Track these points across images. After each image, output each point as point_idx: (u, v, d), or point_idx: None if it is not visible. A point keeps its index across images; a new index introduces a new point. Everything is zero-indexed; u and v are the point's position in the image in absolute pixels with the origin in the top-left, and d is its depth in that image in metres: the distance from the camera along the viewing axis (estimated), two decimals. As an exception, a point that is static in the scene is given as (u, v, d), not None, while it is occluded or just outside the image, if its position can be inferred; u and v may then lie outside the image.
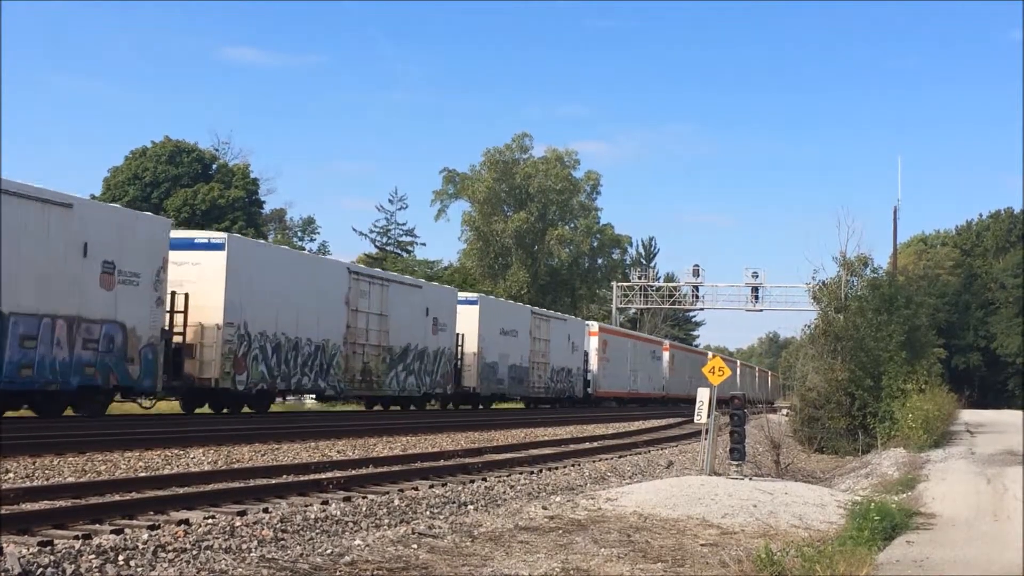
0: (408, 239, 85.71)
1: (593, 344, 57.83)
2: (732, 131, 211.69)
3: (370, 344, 33.27)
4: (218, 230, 35.29)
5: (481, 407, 42.92)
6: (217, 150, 71.66)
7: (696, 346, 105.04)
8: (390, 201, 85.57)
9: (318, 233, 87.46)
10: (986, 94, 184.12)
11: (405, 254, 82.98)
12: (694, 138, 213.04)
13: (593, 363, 55.18)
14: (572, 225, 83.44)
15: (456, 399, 41.72)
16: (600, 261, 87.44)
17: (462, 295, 42.03)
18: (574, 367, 52.68)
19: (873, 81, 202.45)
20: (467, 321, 40.61)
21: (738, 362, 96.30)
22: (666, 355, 71.65)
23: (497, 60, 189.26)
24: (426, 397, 38.27)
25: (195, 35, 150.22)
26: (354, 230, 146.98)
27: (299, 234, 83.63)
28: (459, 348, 40.14)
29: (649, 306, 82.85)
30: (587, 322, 61.54)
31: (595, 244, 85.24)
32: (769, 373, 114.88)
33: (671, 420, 39.81)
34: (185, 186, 62.30)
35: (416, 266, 72.94)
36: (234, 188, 63.83)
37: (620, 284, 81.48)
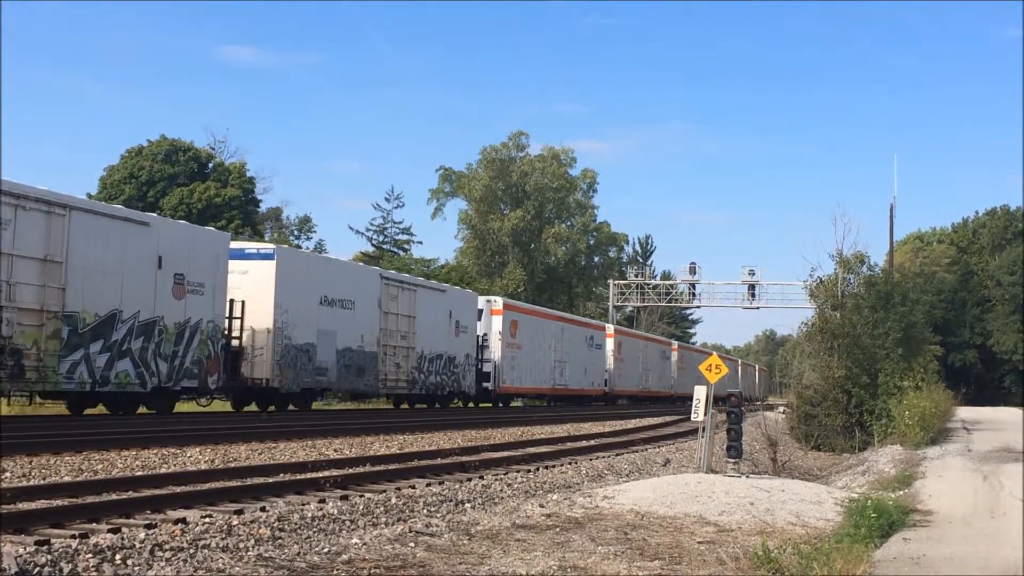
0: (405, 237, 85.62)
1: (609, 345, 57.70)
2: (728, 129, 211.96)
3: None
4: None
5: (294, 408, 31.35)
6: (213, 149, 71.59)
7: (693, 344, 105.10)
8: (386, 199, 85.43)
9: (314, 232, 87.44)
10: (982, 92, 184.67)
11: (402, 252, 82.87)
12: (690, 136, 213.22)
13: (496, 350, 43.00)
14: (569, 223, 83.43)
15: (234, 395, 30.39)
16: (597, 259, 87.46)
17: (247, 246, 30.77)
18: (460, 354, 39.96)
19: (869, 79, 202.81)
20: (255, 284, 28.62)
21: (739, 361, 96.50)
22: (675, 355, 73.99)
23: (494, 59, 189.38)
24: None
25: (191, 34, 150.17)
26: (351, 228, 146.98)
27: (295, 233, 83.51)
28: (234, 322, 28.09)
29: (646, 304, 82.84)
30: (606, 324, 60.70)
31: (591, 242, 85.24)
32: (756, 368, 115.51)
33: (667, 418, 39.84)
34: (181, 185, 62.21)
35: (413, 264, 72.79)
36: (230, 187, 63.73)
37: (617, 282, 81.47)
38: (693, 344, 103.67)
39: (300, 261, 31.42)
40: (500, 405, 45.10)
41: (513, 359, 44.78)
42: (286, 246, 38.08)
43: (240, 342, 28.13)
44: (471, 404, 43.58)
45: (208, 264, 26.14)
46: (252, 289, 28.40)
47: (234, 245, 28.76)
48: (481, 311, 42.49)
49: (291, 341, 29.47)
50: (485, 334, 42.92)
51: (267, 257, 29.31)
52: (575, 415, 38.92)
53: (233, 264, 27.69)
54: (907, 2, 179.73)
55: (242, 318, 28.11)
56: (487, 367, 42.65)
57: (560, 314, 56.20)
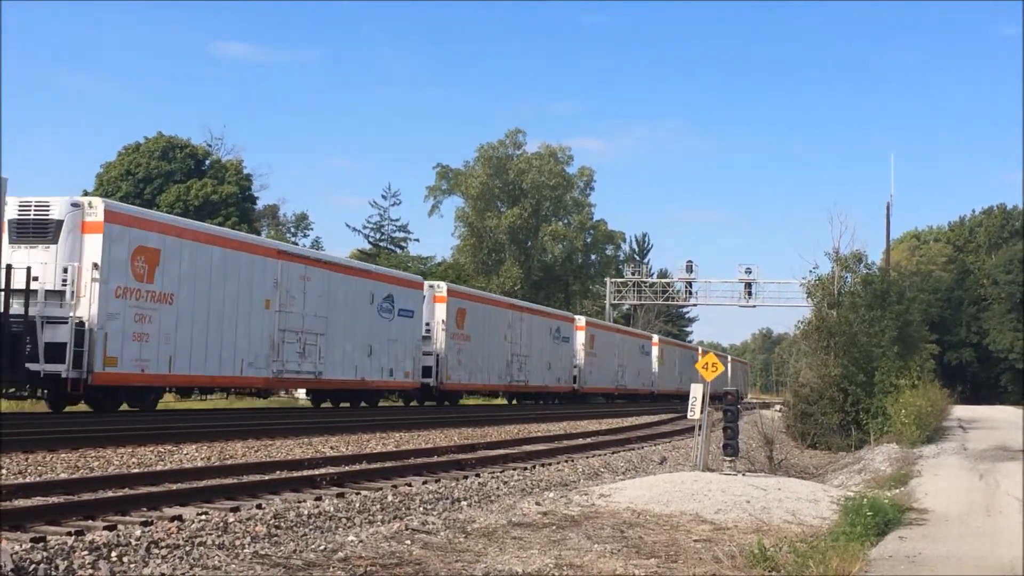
0: (402, 235, 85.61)
1: (580, 338, 51.86)
2: (725, 128, 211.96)
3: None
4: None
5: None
6: (210, 146, 71.49)
7: (689, 342, 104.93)
8: (383, 197, 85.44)
9: (311, 229, 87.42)
10: (980, 90, 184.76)
11: (399, 250, 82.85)
12: (688, 135, 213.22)
13: (439, 341, 38.51)
14: (565, 221, 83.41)
15: None
16: (593, 257, 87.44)
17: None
18: (393, 343, 35.30)
19: (867, 78, 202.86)
20: None
21: (729, 358, 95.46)
22: (655, 349, 67.95)
23: (492, 56, 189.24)
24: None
25: (188, 31, 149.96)
26: (348, 226, 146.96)
27: (292, 230, 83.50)
28: None
29: (642, 302, 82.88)
30: (576, 316, 55.15)
31: (588, 240, 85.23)
32: (728, 359, 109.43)
33: (664, 416, 39.86)
34: (178, 182, 62.13)
35: (410, 262, 72.78)
36: (227, 184, 63.66)
37: (613, 280, 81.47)
38: (689, 342, 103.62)
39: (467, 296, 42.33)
40: (447, 404, 39.83)
41: (460, 351, 39.81)
42: (452, 284, 44.85)
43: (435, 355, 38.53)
44: (413, 403, 39.34)
45: (413, 296, 37.39)
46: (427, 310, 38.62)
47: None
48: (424, 298, 37.68)
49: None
50: (428, 323, 38.23)
51: (438, 292, 39.62)
52: (527, 415, 35.34)
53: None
54: (905, 1, 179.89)
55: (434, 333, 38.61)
56: (428, 360, 37.28)
57: (516, 302, 50.24)
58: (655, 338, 69.28)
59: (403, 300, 35.99)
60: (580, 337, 52.86)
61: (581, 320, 53.68)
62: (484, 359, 41.96)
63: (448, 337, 38.81)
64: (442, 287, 39.86)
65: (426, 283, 38.79)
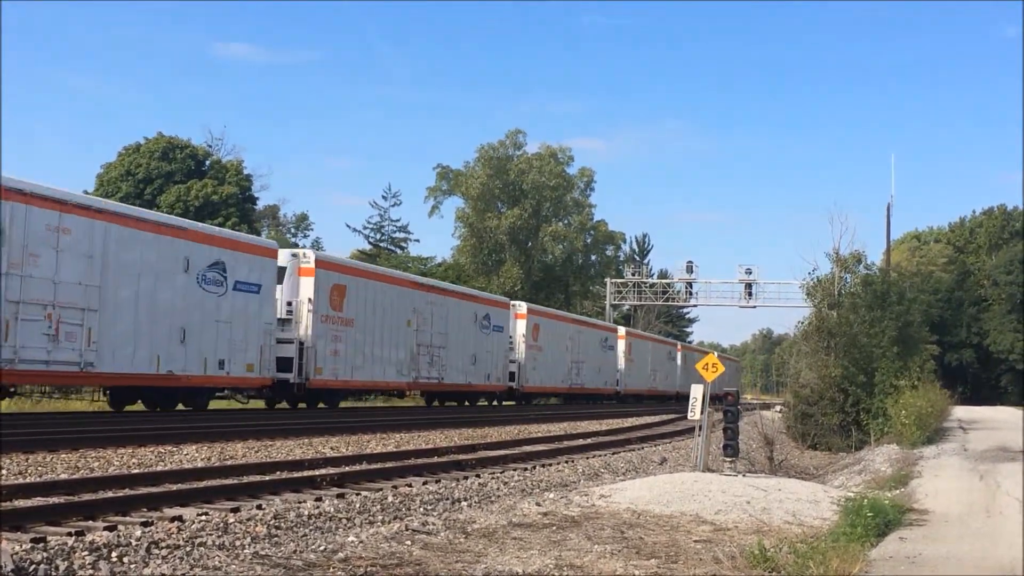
0: (402, 235, 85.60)
1: (520, 328, 45.42)
2: (726, 128, 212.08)
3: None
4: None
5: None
6: (210, 146, 71.47)
7: (690, 343, 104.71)
8: (384, 197, 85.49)
9: (311, 230, 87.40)
10: (980, 91, 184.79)
11: (399, 251, 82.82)
12: (688, 135, 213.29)
13: (307, 325, 30.34)
14: (566, 222, 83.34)
15: None
16: (594, 258, 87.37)
17: None
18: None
19: (867, 79, 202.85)
20: None
21: (715, 355, 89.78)
22: (621, 344, 59.97)
23: (492, 57, 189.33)
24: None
25: (188, 31, 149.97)
26: (348, 226, 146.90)
27: (292, 231, 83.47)
28: None
29: (643, 303, 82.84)
30: (514, 302, 47.72)
31: (589, 241, 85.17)
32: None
33: (665, 416, 39.86)
34: (178, 182, 62.11)
35: (410, 262, 72.75)
36: (227, 184, 63.64)
37: (614, 280, 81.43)
38: (689, 343, 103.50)
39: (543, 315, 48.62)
40: (321, 406, 33.15)
41: (536, 359, 46.04)
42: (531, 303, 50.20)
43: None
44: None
45: (504, 316, 44.78)
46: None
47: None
48: (284, 269, 30.43)
49: None
50: (511, 336, 44.64)
51: (519, 310, 46.93)
52: (527, 416, 33.85)
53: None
54: (905, 2, 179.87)
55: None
56: (287, 351, 30.07)
57: (579, 317, 57.57)
58: (621, 330, 62.24)
59: (497, 318, 43.57)
60: (521, 327, 46.03)
61: (521, 307, 46.57)
62: (553, 365, 48.91)
63: (527, 348, 45.71)
64: (523, 306, 47.06)
65: (283, 252, 33.12)
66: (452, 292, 41.69)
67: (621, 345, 60.24)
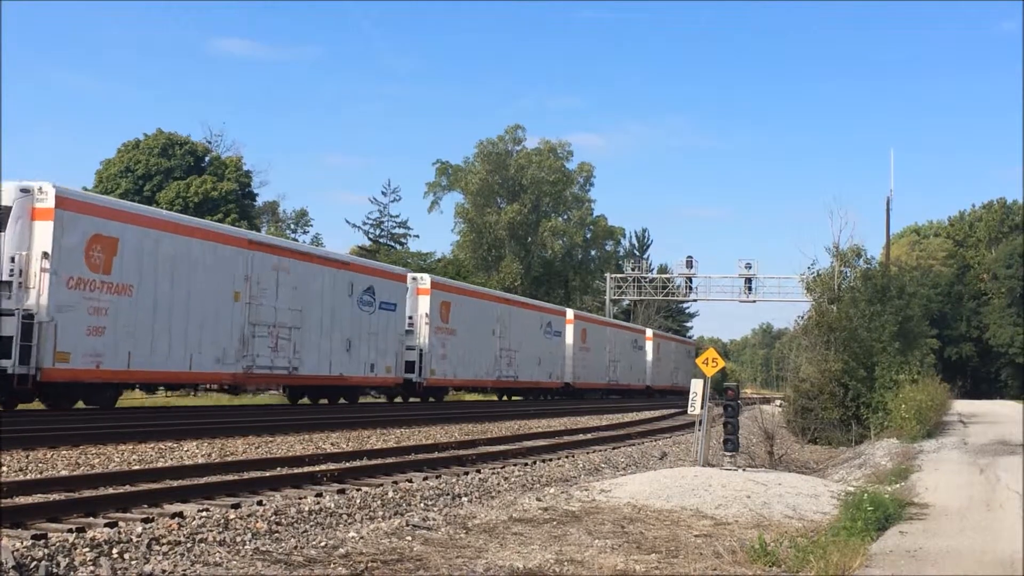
0: (401, 231, 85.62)
1: (423, 307, 37.38)
2: (725, 123, 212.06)
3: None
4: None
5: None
6: (210, 143, 71.47)
7: (689, 337, 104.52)
8: (383, 193, 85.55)
9: (311, 226, 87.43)
10: (980, 85, 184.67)
11: (399, 246, 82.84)
12: (687, 130, 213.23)
13: None
14: (565, 217, 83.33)
15: None
16: (593, 253, 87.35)
17: None
18: None
19: (866, 73, 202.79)
20: None
21: (649, 333, 70.08)
22: (570, 329, 53.80)
23: (491, 52, 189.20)
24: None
25: (187, 28, 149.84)
26: (347, 222, 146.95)
27: (292, 227, 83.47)
28: None
29: (643, 297, 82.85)
30: (412, 274, 38.55)
31: (588, 236, 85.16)
32: (668, 341, 79.04)
33: (664, 412, 39.86)
34: (178, 179, 62.10)
35: (409, 258, 72.76)
36: (227, 181, 63.64)
37: (614, 276, 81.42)
38: (689, 338, 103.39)
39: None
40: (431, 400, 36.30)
41: (584, 360, 56.51)
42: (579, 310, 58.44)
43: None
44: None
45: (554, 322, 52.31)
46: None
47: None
48: (564, 323, 52.82)
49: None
50: (411, 316, 36.61)
51: (567, 319, 54.03)
52: (527, 411, 33.63)
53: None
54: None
55: None
56: (411, 355, 36.06)
57: (619, 323, 64.54)
58: (570, 313, 55.51)
59: (556, 325, 51.38)
60: (423, 304, 38.21)
61: (425, 280, 39.00)
62: (596, 366, 56.36)
63: (577, 350, 53.06)
64: (571, 313, 54.11)
65: (568, 311, 53.10)
66: (618, 326, 58.35)
67: (570, 331, 53.53)
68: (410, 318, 37.40)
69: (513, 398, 48.86)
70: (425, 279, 38.98)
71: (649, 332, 69.06)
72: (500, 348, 44.44)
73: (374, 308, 34.21)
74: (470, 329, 41.08)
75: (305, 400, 33.26)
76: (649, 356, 68.07)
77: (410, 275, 38.10)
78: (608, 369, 59.08)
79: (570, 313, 54.70)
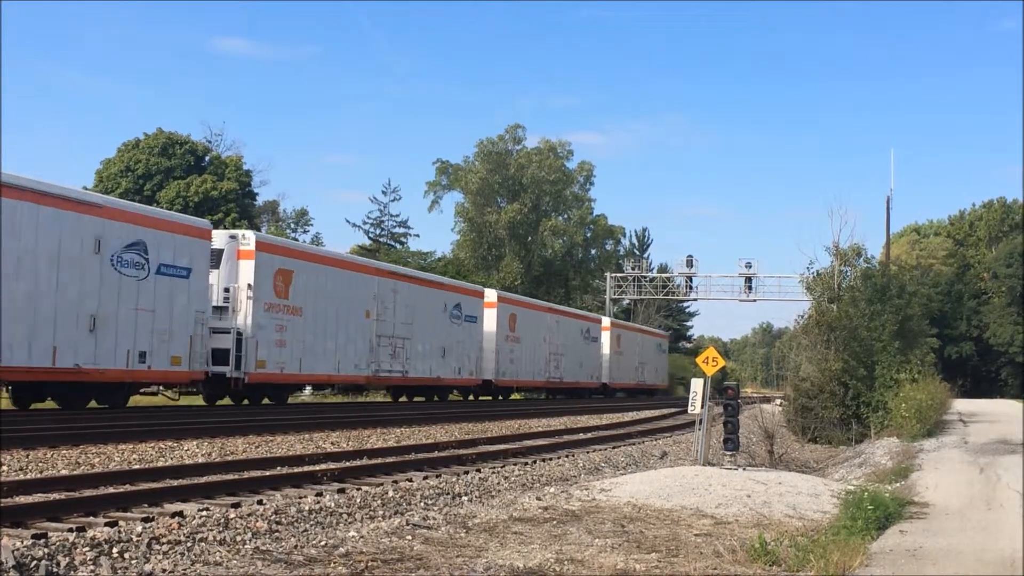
0: (401, 231, 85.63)
1: (376, 291, 33.79)
2: (725, 122, 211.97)
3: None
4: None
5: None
6: (210, 142, 71.46)
7: (690, 337, 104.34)
8: (383, 192, 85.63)
9: (311, 225, 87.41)
10: (979, 84, 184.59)
11: (399, 246, 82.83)
12: (688, 129, 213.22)
13: (246, 314, 27.85)
14: (565, 216, 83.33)
15: None
16: (593, 252, 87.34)
17: None
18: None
19: (866, 72, 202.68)
20: None
21: (605, 321, 63.16)
22: (490, 314, 45.28)
23: (491, 51, 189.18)
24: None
25: (186, 27, 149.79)
26: (347, 222, 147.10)
27: (292, 226, 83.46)
28: None
29: (643, 297, 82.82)
30: (360, 255, 43.43)
31: (588, 235, 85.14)
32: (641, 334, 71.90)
33: (665, 411, 39.87)
34: (178, 178, 62.07)
35: (409, 257, 72.74)
36: (227, 180, 63.60)
37: (614, 275, 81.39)
38: (690, 337, 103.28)
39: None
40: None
41: (619, 362, 61.95)
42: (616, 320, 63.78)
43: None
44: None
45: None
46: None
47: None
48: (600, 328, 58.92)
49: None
50: (603, 345, 59.53)
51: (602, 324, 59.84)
52: (527, 411, 33.69)
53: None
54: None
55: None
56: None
57: (648, 329, 68.55)
58: (491, 295, 45.91)
59: (594, 332, 57.32)
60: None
61: (492, 295, 42.81)
62: (627, 368, 61.41)
63: (612, 354, 57.33)
64: (606, 321, 57.92)
65: (604, 319, 58.55)
66: (640, 329, 68.83)
67: (606, 337, 54.74)
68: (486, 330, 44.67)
69: (556, 397, 54.18)
70: (492, 294, 45.66)
71: (491, 295, 53.76)
72: (550, 353, 50.91)
73: (461, 321, 41.33)
74: (530, 337, 48.39)
75: (403, 399, 39.61)
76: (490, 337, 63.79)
77: (486, 291, 45.37)
78: (636, 371, 66.93)
79: (606, 321, 60.80)
